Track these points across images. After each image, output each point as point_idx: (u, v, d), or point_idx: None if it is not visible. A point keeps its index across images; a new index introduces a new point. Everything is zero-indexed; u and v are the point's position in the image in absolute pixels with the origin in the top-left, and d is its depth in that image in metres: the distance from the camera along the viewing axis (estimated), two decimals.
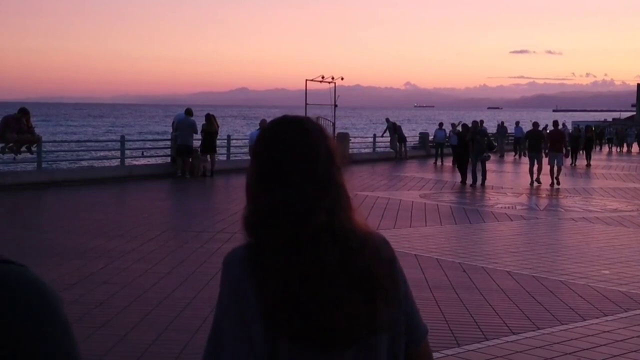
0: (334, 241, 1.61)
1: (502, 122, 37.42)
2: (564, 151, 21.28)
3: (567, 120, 73.99)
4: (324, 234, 1.60)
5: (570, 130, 37.04)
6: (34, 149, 17.57)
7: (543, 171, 20.97)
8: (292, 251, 1.59)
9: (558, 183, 20.60)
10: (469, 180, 20.25)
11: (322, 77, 26.74)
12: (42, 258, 9.24)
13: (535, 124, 21.94)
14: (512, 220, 13.84)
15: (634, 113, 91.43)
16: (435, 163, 28.41)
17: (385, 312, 1.64)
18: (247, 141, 23.57)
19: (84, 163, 22.09)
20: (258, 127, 16.21)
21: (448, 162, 27.98)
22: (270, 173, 1.64)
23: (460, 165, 21.04)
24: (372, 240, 1.68)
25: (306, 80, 26.23)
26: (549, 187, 20.27)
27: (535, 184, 20.59)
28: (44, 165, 18.68)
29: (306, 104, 26.26)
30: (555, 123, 22.14)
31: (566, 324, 6.82)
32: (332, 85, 27.26)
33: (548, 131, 21.72)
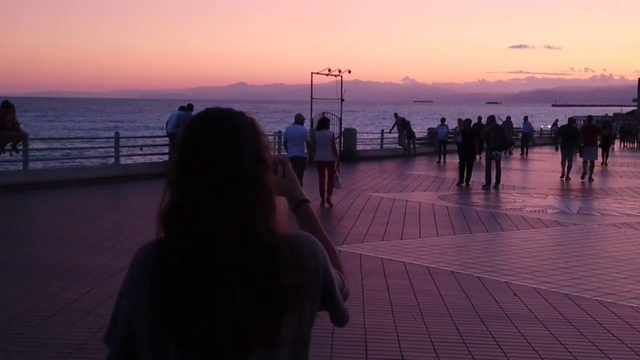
0: (243, 244, 1.53)
1: (508, 117, 36.06)
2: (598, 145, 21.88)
3: (568, 115, 72.39)
4: (232, 235, 1.53)
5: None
6: (19, 146, 16.11)
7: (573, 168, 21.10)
8: (195, 252, 1.52)
9: (592, 179, 20.60)
10: (483, 182, 18.70)
11: (329, 70, 25.30)
12: (17, 278, 7.86)
13: (570, 120, 21.39)
14: (547, 227, 12.45)
15: (635, 108, 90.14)
16: (439, 161, 26.95)
17: (289, 326, 1.56)
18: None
19: (78, 161, 20.69)
20: (294, 122, 14.82)
21: (451, 159, 26.58)
22: (189, 166, 1.57)
23: (462, 164, 19.35)
24: (292, 247, 1.59)
25: (312, 73, 24.79)
26: (581, 184, 19.98)
27: (567, 179, 20.66)
28: (31, 165, 17.24)
29: (312, 98, 24.84)
30: (590, 118, 21.63)
31: None
32: (336, 79, 25.86)
33: (580, 126, 21.06)
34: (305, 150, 14.29)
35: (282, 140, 14.77)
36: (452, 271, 8.66)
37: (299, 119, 14.81)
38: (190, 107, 19.82)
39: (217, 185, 1.55)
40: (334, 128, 26.00)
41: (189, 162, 1.58)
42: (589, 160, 20.88)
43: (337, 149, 25.47)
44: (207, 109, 1.69)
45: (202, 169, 1.56)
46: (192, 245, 1.53)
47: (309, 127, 20.51)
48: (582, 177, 20.69)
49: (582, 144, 20.72)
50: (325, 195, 14.15)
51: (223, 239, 1.52)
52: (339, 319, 1.75)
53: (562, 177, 20.96)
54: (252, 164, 1.59)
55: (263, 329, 1.53)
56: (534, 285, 8.05)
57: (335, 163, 14.24)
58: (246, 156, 1.58)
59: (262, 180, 1.60)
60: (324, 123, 14.61)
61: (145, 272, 1.56)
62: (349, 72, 25.69)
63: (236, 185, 1.56)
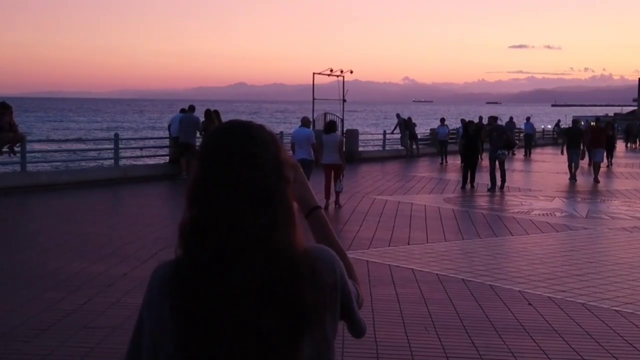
0: (263, 262, 1.49)
1: (511, 118, 35.84)
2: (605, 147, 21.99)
3: (568, 115, 72.27)
4: (252, 252, 1.49)
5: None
6: (17, 148, 15.80)
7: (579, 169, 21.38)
8: (215, 270, 1.49)
9: (597, 180, 20.60)
10: (488, 185, 18.31)
11: (331, 70, 25.01)
12: (11, 288, 7.55)
13: (575, 121, 21.31)
14: (557, 231, 12.15)
15: (635, 108, 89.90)
16: (442, 162, 26.65)
17: (310, 343, 1.52)
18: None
19: (77, 163, 20.37)
20: (300, 124, 14.59)
21: (453, 160, 26.29)
22: (208, 181, 1.54)
23: (465, 166, 18.95)
24: (312, 263, 1.56)
25: (314, 73, 24.51)
26: (589, 186, 19.81)
27: (573, 180, 20.73)
28: (29, 167, 16.93)
29: (314, 98, 24.56)
30: (598, 119, 21.57)
31: None
32: (337, 79, 25.57)
33: (587, 127, 21.02)
34: (312, 152, 14.09)
35: (290, 143, 14.58)
36: (462, 279, 8.36)
37: (305, 122, 14.58)
38: (191, 108, 19.53)
39: (237, 201, 1.51)
40: None
41: (208, 177, 1.55)
42: (595, 162, 20.98)
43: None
44: (225, 122, 1.64)
45: (222, 184, 1.53)
46: (212, 262, 1.50)
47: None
48: (595, 180, 20.62)
49: (588, 146, 20.75)
50: (334, 198, 14.15)
51: (243, 256, 1.49)
52: (356, 331, 1.73)
53: (570, 178, 20.96)
54: (272, 179, 1.55)
55: (284, 346, 1.50)
56: (549, 294, 7.75)
57: (342, 167, 14.21)
58: (266, 171, 1.54)
59: (283, 195, 1.56)
60: (331, 126, 14.47)
61: (165, 293, 1.52)
62: (351, 72, 25.40)
63: (256, 200, 1.52)
